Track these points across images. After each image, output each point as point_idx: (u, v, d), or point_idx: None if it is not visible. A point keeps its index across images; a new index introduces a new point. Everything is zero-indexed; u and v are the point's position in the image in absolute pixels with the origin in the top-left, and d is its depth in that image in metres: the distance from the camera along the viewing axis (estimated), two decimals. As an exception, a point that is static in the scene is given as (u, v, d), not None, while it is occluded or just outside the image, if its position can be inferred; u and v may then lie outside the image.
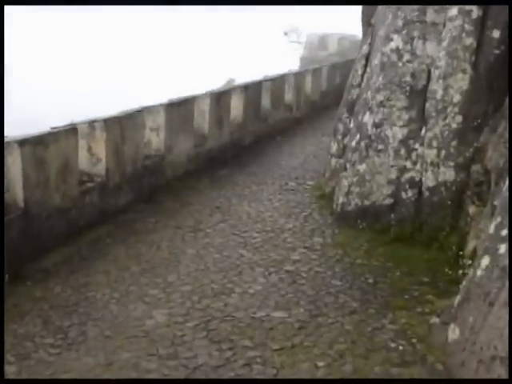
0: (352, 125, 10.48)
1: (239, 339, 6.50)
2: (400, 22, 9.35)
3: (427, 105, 9.02)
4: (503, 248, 5.64)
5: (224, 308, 7.16)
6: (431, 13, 9.07)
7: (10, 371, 5.83)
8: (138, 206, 10.25)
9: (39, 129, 8.49)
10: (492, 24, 8.64)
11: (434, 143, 8.87)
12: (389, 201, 9.27)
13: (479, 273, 5.82)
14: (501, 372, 5.01)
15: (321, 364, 6.10)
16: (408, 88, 9.19)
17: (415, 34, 9.18)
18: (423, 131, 9.05)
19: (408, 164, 9.16)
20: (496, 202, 6.76)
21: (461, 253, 7.97)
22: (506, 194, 6.16)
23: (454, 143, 8.72)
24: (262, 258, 8.58)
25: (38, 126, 9.10)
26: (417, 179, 9.08)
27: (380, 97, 9.47)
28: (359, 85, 10.79)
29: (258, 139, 15.09)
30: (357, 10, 14.20)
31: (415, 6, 9.17)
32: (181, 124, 11.79)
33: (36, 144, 8.14)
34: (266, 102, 16.01)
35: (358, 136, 9.89)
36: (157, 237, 9.12)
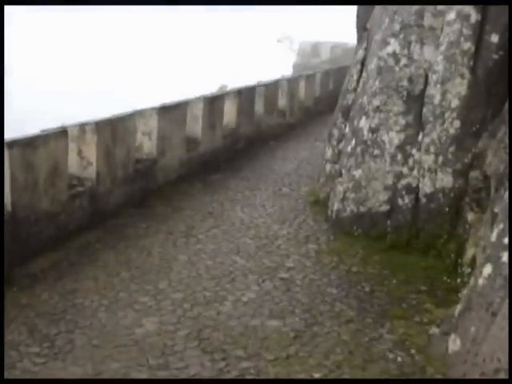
0: (347, 130, 10.31)
1: (232, 349, 6.31)
2: (397, 26, 9.21)
3: (424, 110, 8.87)
4: (506, 256, 5.47)
5: (216, 316, 6.97)
6: (429, 17, 8.93)
7: (-6, 381, 5.60)
8: (128, 210, 10.06)
9: (35, 128, 8.31)
10: (490, 28, 8.52)
11: (432, 149, 8.72)
12: (385, 207, 9.10)
13: (481, 281, 5.65)
14: (504, 385, 4.83)
15: (317, 375, 5.91)
16: (405, 93, 9.04)
17: (412, 38, 9.04)
18: (420, 136, 8.90)
19: (405, 170, 9.00)
20: (496, 209, 6.59)
21: (459, 261, 7.81)
22: (508, 200, 6.00)
23: (451, 149, 8.57)
24: (255, 264, 8.39)
25: (36, 125, 8.92)
26: (414, 185, 8.92)
27: (376, 101, 9.31)
28: (355, 90, 10.62)
29: (251, 144, 14.93)
30: (350, 16, 14.13)
31: (413, 10, 9.03)
32: (173, 128, 11.61)
33: (25, 146, 7.99)
34: (259, 107, 15.86)
35: (353, 141, 9.73)
36: (148, 242, 8.93)
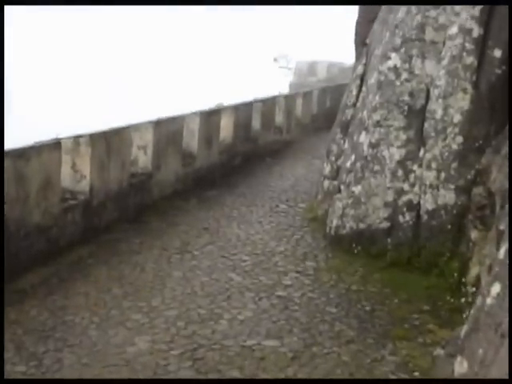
0: (346, 145, 10.14)
1: (228, 369, 6.07)
2: (398, 40, 9.08)
3: (426, 125, 8.71)
4: (515, 274, 5.24)
5: (212, 335, 6.73)
6: (430, 31, 8.80)
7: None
8: (122, 225, 9.84)
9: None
10: (493, 43, 8.40)
11: (434, 165, 8.55)
12: (385, 224, 8.90)
13: (489, 301, 5.41)
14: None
15: (316, 398, 5.67)
16: (406, 107, 8.88)
17: (414, 52, 8.91)
18: (422, 152, 8.73)
19: (405, 186, 8.81)
20: (502, 226, 6.38)
21: (463, 280, 7.59)
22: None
23: (454, 165, 8.40)
24: (252, 282, 8.17)
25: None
26: (415, 202, 8.74)
27: (377, 116, 9.14)
28: (354, 105, 10.46)
29: (247, 160, 14.74)
30: (347, 35, 14.04)
31: (414, 24, 8.88)
32: (169, 142, 11.42)
33: (16, 158, 7.80)
34: (256, 123, 15.70)
35: (353, 157, 9.54)
36: (141, 258, 8.70)
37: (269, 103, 16.59)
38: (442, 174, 8.47)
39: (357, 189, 9.26)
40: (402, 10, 9.03)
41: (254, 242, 9.68)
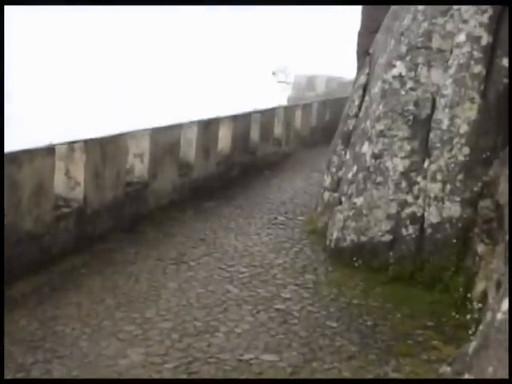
0: (348, 156, 9.91)
1: (224, 384, 5.80)
2: (403, 48, 8.87)
3: (431, 135, 8.48)
4: (527, 289, 5.00)
5: (207, 348, 6.48)
6: (437, 38, 8.60)
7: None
8: (117, 235, 9.58)
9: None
10: (502, 52, 8.21)
11: (439, 176, 8.31)
12: (387, 237, 8.65)
13: (500, 316, 5.15)
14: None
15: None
16: (411, 117, 8.66)
17: (420, 60, 8.69)
18: (426, 163, 8.50)
19: (409, 198, 8.57)
20: (511, 240, 6.13)
21: (468, 295, 7.33)
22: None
23: (460, 177, 8.16)
24: (249, 294, 7.92)
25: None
26: (418, 214, 8.48)
27: (380, 126, 8.92)
28: (356, 115, 10.24)
29: (245, 172, 14.50)
30: (348, 49, 13.88)
31: (420, 32, 8.67)
32: (166, 151, 11.19)
33: (8, 163, 7.53)
34: (254, 134, 15.47)
35: (355, 168, 9.31)
36: (136, 268, 8.45)
37: (268, 115, 16.38)
38: (448, 186, 8.23)
39: (358, 200, 9.02)
40: (407, 17, 8.84)
41: (252, 253, 9.43)
